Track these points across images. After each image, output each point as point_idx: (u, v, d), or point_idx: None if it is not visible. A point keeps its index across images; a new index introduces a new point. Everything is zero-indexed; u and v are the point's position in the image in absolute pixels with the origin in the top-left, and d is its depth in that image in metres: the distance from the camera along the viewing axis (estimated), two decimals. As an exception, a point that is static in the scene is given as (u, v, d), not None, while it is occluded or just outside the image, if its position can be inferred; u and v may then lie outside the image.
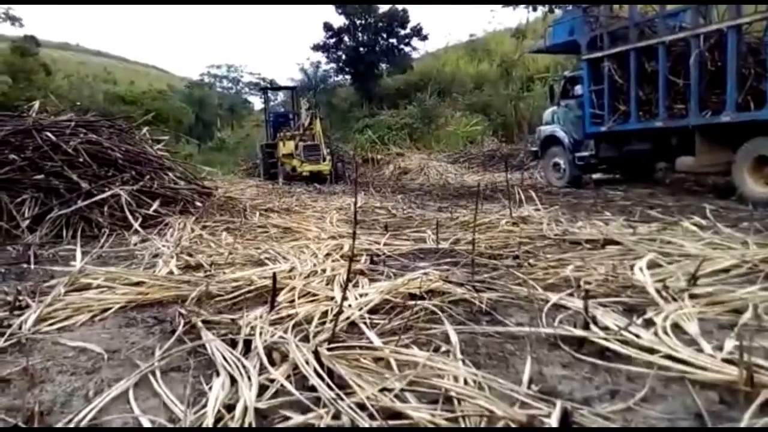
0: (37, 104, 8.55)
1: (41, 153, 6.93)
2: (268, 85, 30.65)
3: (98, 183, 6.87)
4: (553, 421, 1.75)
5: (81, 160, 7.04)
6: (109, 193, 6.67)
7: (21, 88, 22.65)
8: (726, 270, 3.59)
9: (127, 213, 6.43)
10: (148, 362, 2.43)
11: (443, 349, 2.46)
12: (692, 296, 3.05)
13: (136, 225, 6.17)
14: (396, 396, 1.96)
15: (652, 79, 9.16)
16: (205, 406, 1.99)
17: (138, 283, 3.75)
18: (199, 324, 2.83)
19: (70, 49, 45.67)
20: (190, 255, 4.72)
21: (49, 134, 7.17)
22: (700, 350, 2.34)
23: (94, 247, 5.34)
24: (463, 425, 1.81)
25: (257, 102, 40.33)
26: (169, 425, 1.95)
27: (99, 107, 16.67)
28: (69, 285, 3.70)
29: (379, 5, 29.04)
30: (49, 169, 6.78)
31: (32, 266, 4.72)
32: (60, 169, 6.81)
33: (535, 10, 22.97)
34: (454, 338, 2.51)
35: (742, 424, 1.78)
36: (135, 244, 5.57)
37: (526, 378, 2.12)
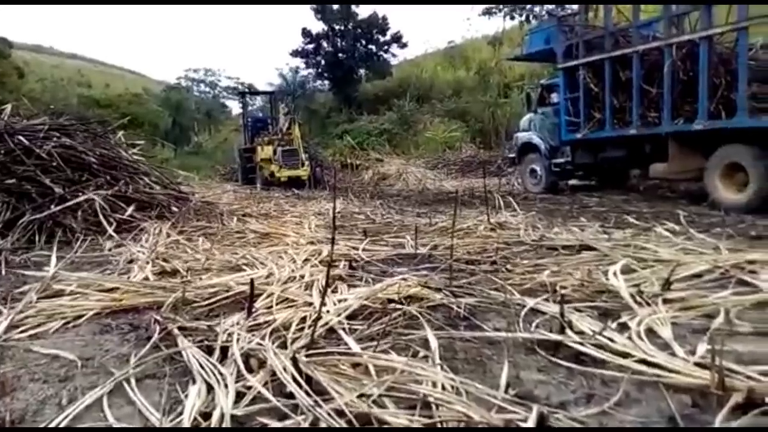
0: (9, 107, 8.39)
1: (13, 157, 6.79)
2: (247, 90, 30.50)
3: (72, 188, 6.75)
4: (530, 426, 1.77)
5: (54, 164, 6.92)
6: (83, 198, 6.56)
7: (-8, 90, 22.23)
8: (698, 275, 3.67)
9: (102, 218, 6.32)
10: (122, 369, 2.39)
11: (421, 354, 2.46)
12: (666, 301, 3.10)
13: (110, 230, 6.07)
14: (374, 402, 1.96)
15: (626, 88, 9.33)
16: (181, 413, 1.96)
17: (112, 290, 3.69)
18: (175, 331, 2.80)
19: (43, 52, 44.91)
20: (166, 261, 4.66)
21: (21, 138, 7.03)
22: (674, 354, 2.38)
23: (68, 253, 5.24)
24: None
25: (235, 106, 40.09)
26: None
27: (73, 111, 16.40)
28: (41, 291, 3.62)
29: (358, 11, 29.08)
30: (22, 173, 6.65)
31: (3, 272, 4.62)
32: (33, 174, 6.67)
33: (512, 18, 23.28)
34: (433, 343, 2.51)
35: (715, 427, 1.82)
36: (109, 250, 5.49)
37: (503, 383, 2.14)
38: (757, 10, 7.95)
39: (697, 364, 2.24)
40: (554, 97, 11.40)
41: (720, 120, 7.92)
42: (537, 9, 22.90)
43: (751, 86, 7.66)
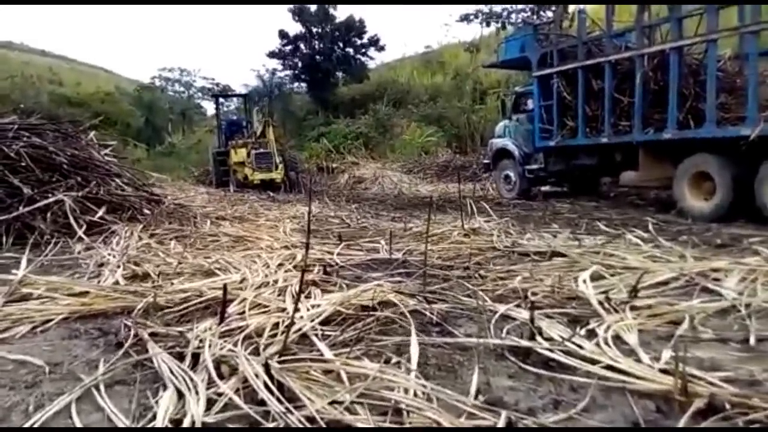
0: (-24, 106, 8.21)
1: (-20, 156, 6.65)
2: (220, 92, 30.24)
3: (41, 188, 6.63)
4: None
5: (23, 164, 6.78)
6: (52, 200, 6.44)
7: (-42, 87, 21.65)
8: (665, 282, 3.76)
9: (72, 220, 6.21)
10: (91, 375, 2.36)
11: (394, 360, 2.48)
12: (633, 308, 3.18)
13: (80, 232, 5.97)
14: (346, 408, 1.98)
15: (599, 97, 9.49)
16: (152, 420, 1.95)
17: (82, 294, 3.64)
18: (146, 336, 2.77)
19: (14, 48, 43.89)
20: (137, 264, 4.61)
21: (-11, 137, 6.89)
22: (639, 361, 2.43)
23: (37, 255, 5.15)
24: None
25: (210, 107, 39.61)
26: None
27: (44, 109, 16.08)
28: (8, 295, 3.56)
29: (336, 13, 29.09)
30: (-11, 173, 6.51)
31: (-32, 275, 4.52)
32: (1, 174, 6.54)
33: (488, 25, 23.54)
34: (414, 350, 2.52)
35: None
36: (79, 253, 5.40)
37: (473, 389, 2.17)
38: (727, 22, 8.19)
39: (661, 371, 2.29)
40: (529, 105, 11.54)
41: (689, 129, 8.10)
42: (513, 17, 23.20)
43: (719, 97, 7.86)
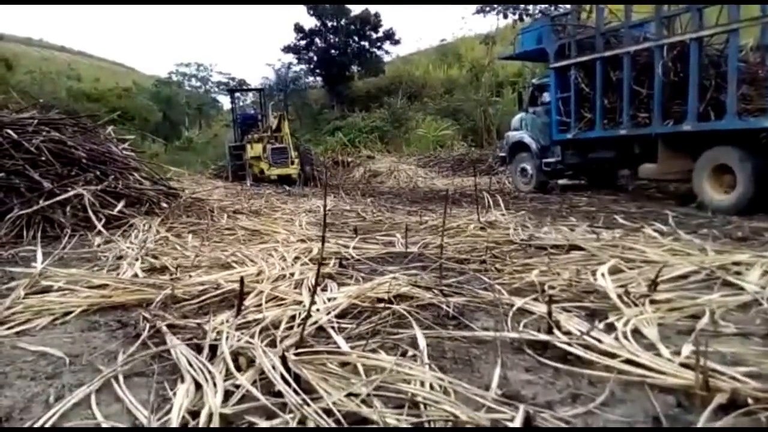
0: (-3, 101, 8.33)
1: (1, 151, 6.74)
2: (236, 87, 30.37)
3: (61, 182, 6.71)
4: (517, 425, 1.78)
5: (43, 158, 6.87)
6: (72, 193, 6.52)
7: (-23, 82, 21.94)
8: (685, 276, 3.70)
9: (91, 213, 6.29)
10: (110, 367, 2.39)
11: (410, 353, 2.47)
12: (652, 302, 3.13)
13: (99, 226, 6.04)
14: (362, 401, 1.97)
15: (617, 88, 9.37)
16: (169, 411, 1.97)
17: (101, 286, 3.68)
18: (164, 328, 2.80)
19: (34, 45, 44.45)
20: (155, 257, 4.65)
21: (10, 132, 6.98)
22: (659, 355, 2.40)
23: (56, 248, 5.22)
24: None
25: (226, 102, 39.88)
26: None
27: (63, 104, 16.26)
28: (29, 287, 3.61)
29: (351, 7, 29.05)
30: (10, 167, 6.60)
31: (-10, 267, 4.59)
32: (21, 168, 6.63)
33: (505, 17, 23.32)
34: (422, 343, 2.52)
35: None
36: (98, 246, 5.46)
37: (494, 383, 2.15)
38: (749, 11, 8.03)
39: (682, 365, 2.26)
40: (545, 97, 11.43)
41: (709, 121, 7.97)
42: (530, 8, 22.95)
43: (740, 88, 7.72)
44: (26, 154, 6.83)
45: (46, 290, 3.61)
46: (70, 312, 3.25)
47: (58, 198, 6.38)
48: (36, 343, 2.78)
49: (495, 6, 23.65)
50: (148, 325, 2.85)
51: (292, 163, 15.63)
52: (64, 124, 8.07)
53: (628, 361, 2.32)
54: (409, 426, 1.83)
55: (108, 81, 35.81)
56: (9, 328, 2.98)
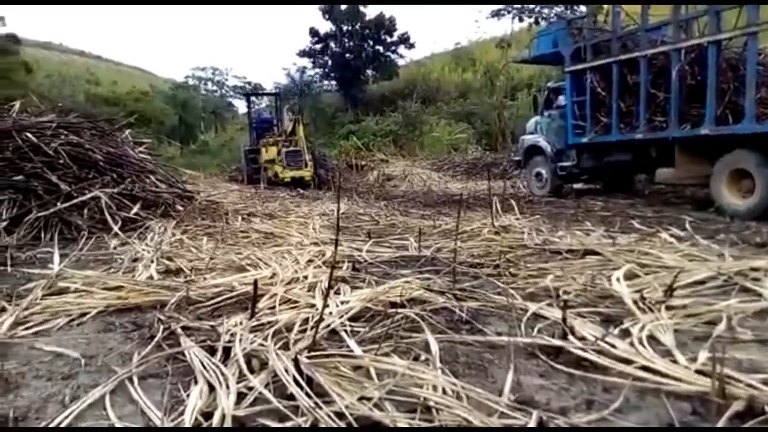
0: (17, 104, 8.45)
1: (21, 154, 6.84)
2: (252, 91, 30.57)
3: (78, 185, 6.80)
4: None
5: (61, 161, 6.97)
6: (89, 196, 6.60)
7: (-2, 86, 22.27)
8: (702, 282, 3.65)
9: (107, 216, 6.36)
10: (125, 368, 2.41)
11: (423, 357, 2.47)
12: (668, 307, 3.09)
13: (115, 228, 6.11)
14: (375, 405, 1.97)
15: (634, 92, 9.31)
16: (182, 413, 1.98)
17: (117, 288, 3.71)
18: (179, 330, 2.81)
19: (53, 49, 45.07)
20: (170, 260, 4.68)
21: (29, 135, 7.08)
22: (675, 361, 2.37)
23: (73, 250, 5.28)
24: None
25: (242, 105, 40.17)
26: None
27: (81, 107, 16.48)
28: (46, 288, 3.65)
29: (366, 11, 29.13)
30: (29, 170, 6.70)
31: (9, 269, 4.65)
32: (40, 171, 6.72)
33: (521, 20, 23.29)
34: (434, 348, 2.51)
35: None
36: (114, 248, 5.52)
37: (507, 388, 2.13)
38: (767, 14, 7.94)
39: (698, 372, 2.23)
40: (561, 100, 11.38)
41: (727, 125, 7.89)
42: (546, 11, 22.89)
43: (759, 92, 7.63)
44: (45, 157, 6.93)
45: (63, 291, 3.65)
46: (87, 313, 3.28)
47: (75, 200, 6.46)
48: (52, 343, 2.81)
49: (510, 9, 23.64)
50: (162, 327, 2.87)
51: (306, 165, 15.72)
52: (82, 128, 8.18)
53: (644, 368, 2.29)
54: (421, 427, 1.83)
55: (125, 85, 36.27)
56: (26, 329, 3.01)
